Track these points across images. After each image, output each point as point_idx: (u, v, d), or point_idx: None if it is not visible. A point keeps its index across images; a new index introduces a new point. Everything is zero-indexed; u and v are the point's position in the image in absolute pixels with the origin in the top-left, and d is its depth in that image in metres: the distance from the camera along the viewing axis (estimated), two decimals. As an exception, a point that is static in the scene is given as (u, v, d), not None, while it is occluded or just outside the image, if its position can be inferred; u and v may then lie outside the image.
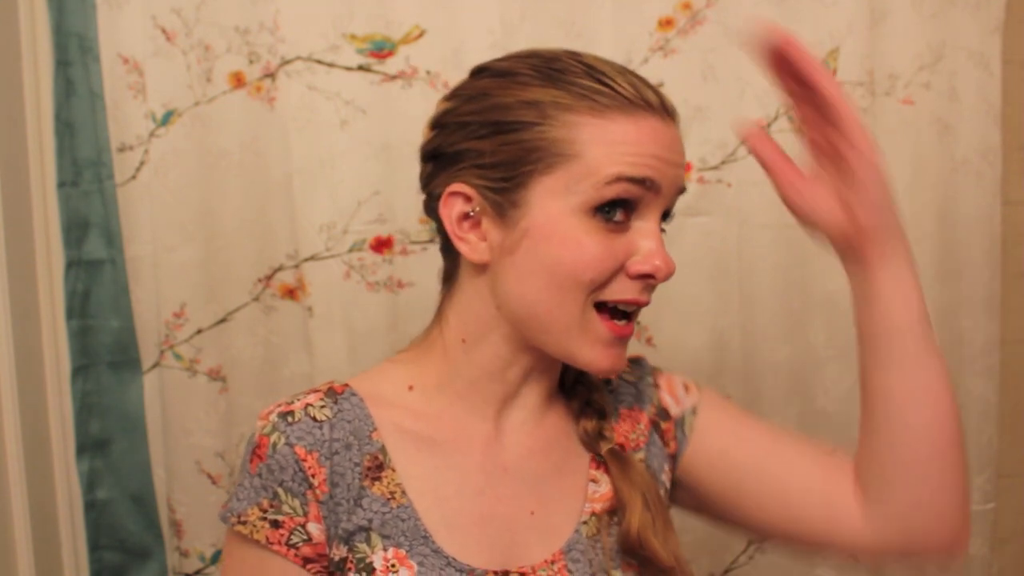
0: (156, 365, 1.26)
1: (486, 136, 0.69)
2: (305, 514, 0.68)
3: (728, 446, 0.79)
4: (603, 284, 0.68)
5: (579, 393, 0.79)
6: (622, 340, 0.71)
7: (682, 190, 0.71)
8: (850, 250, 0.69)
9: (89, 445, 1.26)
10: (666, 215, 0.71)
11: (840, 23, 1.25)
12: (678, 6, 1.24)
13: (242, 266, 1.24)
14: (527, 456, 0.75)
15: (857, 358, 0.72)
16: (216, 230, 1.23)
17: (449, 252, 0.75)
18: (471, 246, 0.70)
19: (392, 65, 1.21)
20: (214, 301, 1.25)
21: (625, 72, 0.69)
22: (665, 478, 0.80)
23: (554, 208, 0.67)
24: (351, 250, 1.24)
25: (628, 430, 0.80)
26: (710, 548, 1.35)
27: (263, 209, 1.23)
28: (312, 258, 1.23)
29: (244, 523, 0.68)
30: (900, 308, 0.69)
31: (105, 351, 1.25)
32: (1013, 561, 1.46)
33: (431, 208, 0.74)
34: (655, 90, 0.69)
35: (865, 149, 0.65)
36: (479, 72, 0.73)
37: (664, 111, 0.69)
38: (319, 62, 1.20)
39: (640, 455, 0.80)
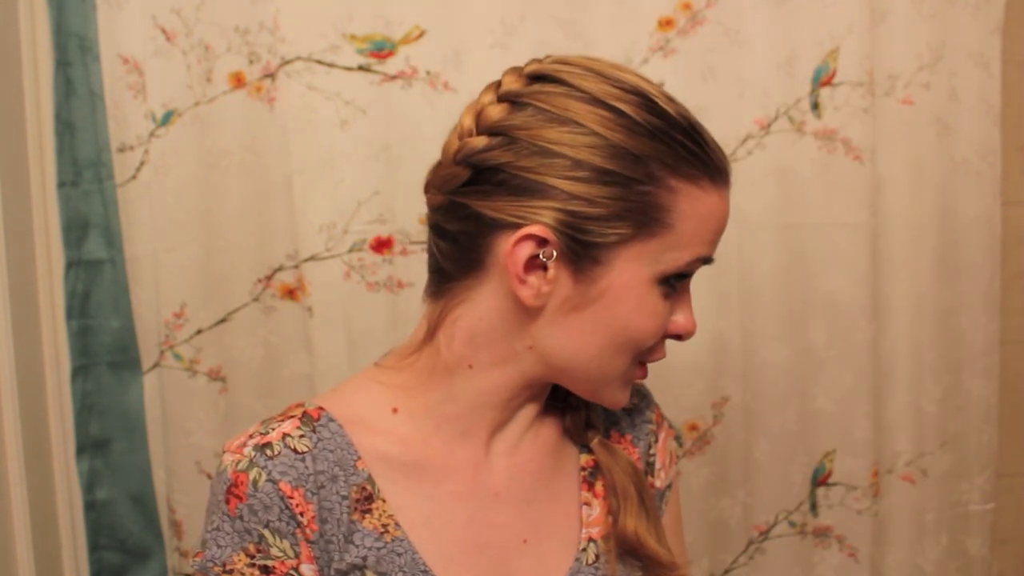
0: (156, 365, 1.26)
1: (583, 180, 0.61)
2: (296, 555, 0.62)
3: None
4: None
5: (571, 408, 0.76)
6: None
7: None
8: None
9: (89, 445, 1.26)
10: None
11: (840, 23, 1.25)
12: (678, 6, 1.24)
13: (242, 266, 1.24)
14: (517, 478, 0.71)
15: None
16: (216, 230, 1.23)
17: (464, 267, 0.66)
18: (533, 291, 0.63)
19: (392, 65, 1.21)
20: (214, 301, 1.25)
21: (707, 132, 0.65)
22: None
23: (636, 273, 0.64)
24: (351, 250, 1.24)
25: None
26: (710, 548, 1.35)
27: (263, 209, 1.23)
28: (312, 258, 1.23)
29: (230, 572, 0.62)
30: None
31: (105, 351, 1.25)
32: (1013, 561, 1.46)
33: (464, 220, 0.65)
34: (725, 154, 0.67)
35: None
36: (553, 80, 0.64)
37: (728, 177, 0.67)
38: (319, 62, 1.20)
39: None
